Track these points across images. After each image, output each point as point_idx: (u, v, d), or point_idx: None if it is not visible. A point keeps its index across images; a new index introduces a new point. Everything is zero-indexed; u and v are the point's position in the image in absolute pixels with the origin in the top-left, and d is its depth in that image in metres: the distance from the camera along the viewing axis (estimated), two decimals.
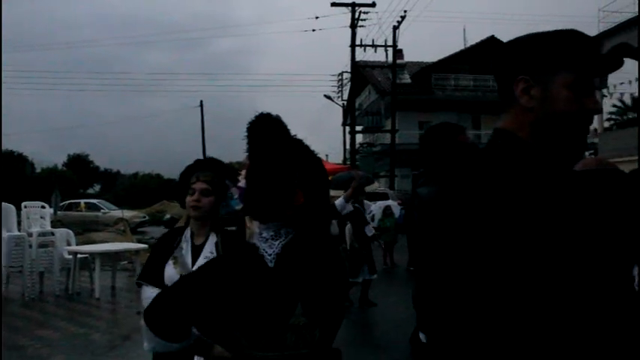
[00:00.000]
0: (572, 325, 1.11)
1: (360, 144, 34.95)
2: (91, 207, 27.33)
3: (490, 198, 1.15)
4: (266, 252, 1.65)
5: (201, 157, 3.17)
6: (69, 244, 10.06)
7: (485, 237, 1.13)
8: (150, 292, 2.63)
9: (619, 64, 1.30)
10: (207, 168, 2.89)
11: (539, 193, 1.16)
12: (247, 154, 1.78)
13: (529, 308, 1.10)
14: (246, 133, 1.74)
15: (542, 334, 1.10)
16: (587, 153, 26.00)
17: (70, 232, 10.57)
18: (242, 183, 1.81)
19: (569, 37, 1.27)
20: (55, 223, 13.44)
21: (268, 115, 1.74)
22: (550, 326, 1.10)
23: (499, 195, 1.15)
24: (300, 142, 1.77)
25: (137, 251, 10.35)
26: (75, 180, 50.21)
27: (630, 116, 39.67)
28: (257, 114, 1.74)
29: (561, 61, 1.25)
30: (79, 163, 59.18)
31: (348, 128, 30.83)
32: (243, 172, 1.80)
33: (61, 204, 25.41)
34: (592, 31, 23.71)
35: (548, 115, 1.25)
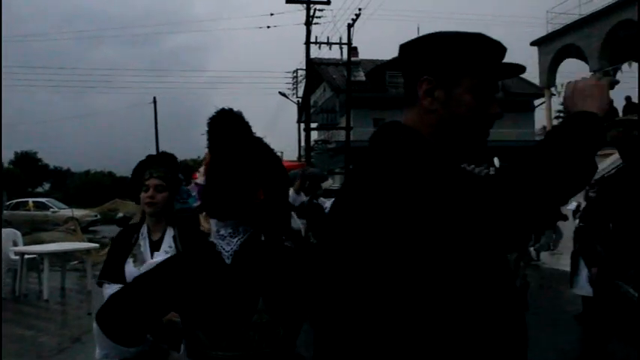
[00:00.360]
0: (469, 325, 1.13)
1: (315, 141, 35.01)
2: (39, 206, 26.59)
3: (391, 198, 1.13)
4: (224, 249, 1.64)
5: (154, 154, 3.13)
6: (15, 245, 9.72)
7: (385, 230, 1.12)
8: (110, 290, 2.59)
9: (521, 71, 1.32)
10: (159, 163, 2.86)
11: (439, 195, 1.11)
12: (208, 149, 1.76)
13: (428, 306, 1.11)
14: (207, 129, 1.71)
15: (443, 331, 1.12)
16: None
17: (17, 232, 10.25)
18: (200, 180, 1.77)
19: (475, 42, 1.26)
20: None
21: (230, 110, 1.73)
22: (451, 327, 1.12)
23: (400, 194, 1.12)
24: (259, 139, 1.77)
25: (88, 251, 10.10)
26: (22, 178, 48.72)
27: None
28: (218, 109, 1.72)
29: (466, 66, 1.24)
30: (26, 161, 57.39)
31: (303, 125, 30.83)
32: (202, 169, 1.77)
33: (8, 203, 24.65)
34: (541, 31, 24.37)
35: (450, 118, 1.24)
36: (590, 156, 1.12)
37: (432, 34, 1.30)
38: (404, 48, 1.33)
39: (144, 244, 2.78)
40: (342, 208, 1.27)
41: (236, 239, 1.65)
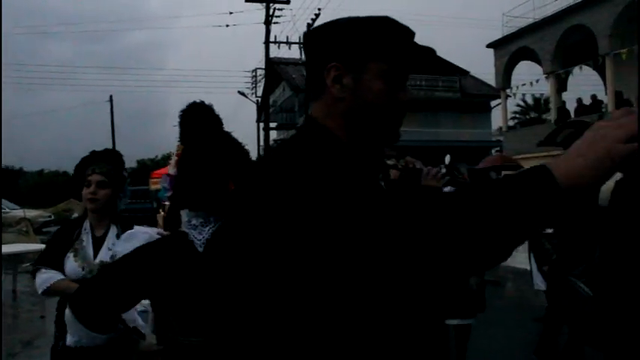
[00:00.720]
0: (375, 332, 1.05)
1: (274, 140, 34.88)
2: None
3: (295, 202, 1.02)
4: (196, 238, 1.68)
5: None
6: None
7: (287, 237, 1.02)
8: (46, 275, 2.61)
9: (431, 54, 1.24)
10: (103, 160, 2.84)
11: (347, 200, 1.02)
12: (179, 142, 1.84)
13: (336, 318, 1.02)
14: (179, 121, 1.80)
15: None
16: (493, 150, 27.14)
17: None
18: (172, 171, 1.86)
19: (383, 25, 1.21)
20: None
21: (202, 103, 1.81)
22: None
23: (305, 198, 1.02)
24: (228, 133, 1.85)
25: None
26: None
27: (532, 115, 41.93)
28: (190, 102, 1.81)
29: (375, 50, 1.18)
30: None
31: (262, 125, 30.75)
32: (173, 161, 1.85)
33: None
34: (497, 34, 24.84)
35: (360, 106, 1.18)
36: (520, 236, 0.99)
37: (337, 19, 1.25)
38: (308, 36, 1.27)
39: (86, 239, 2.74)
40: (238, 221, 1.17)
41: (207, 228, 1.69)
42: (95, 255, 2.69)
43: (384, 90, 1.18)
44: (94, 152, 2.90)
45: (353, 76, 1.17)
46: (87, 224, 2.79)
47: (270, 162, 1.21)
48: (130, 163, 48.22)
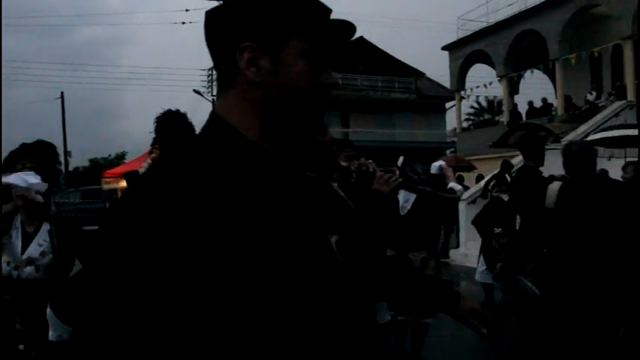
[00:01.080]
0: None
1: None
2: None
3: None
4: None
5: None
6: None
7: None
8: None
9: (351, 30, 1.08)
10: (34, 153, 2.70)
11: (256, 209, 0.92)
12: (155, 146, 1.95)
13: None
14: (154, 127, 1.94)
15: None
16: (447, 151, 27.52)
17: None
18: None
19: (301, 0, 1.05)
20: None
21: (177, 111, 1.93)
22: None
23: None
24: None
25: None
26: None
27: (486, 117, 42.82)
28: (165, 110, 1.92)
29: (295, 25, 1.02)
30: None
31: None
32: (147, 164, 1.88)
33: None
34: (452, 37, 25.27)
35: (280, 90, 1.01)
36: None
37: None
38: (213, 15, 1.06)
39: (15, 234, 2.63)
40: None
41: None
42: (23, 251, 2.58)
43: (308, 71, 1.02)
44: (24, 145, 2.75)
45: (271, 57, 1.01)
46: (17, 220, 2.68)
47: (144, 179, 1.00)
48: (82, 161, 47.12)
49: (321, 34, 1.04)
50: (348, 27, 1.06)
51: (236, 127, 1.02)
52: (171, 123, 1.83)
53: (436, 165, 6.93)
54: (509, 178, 7.11)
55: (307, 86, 1.02)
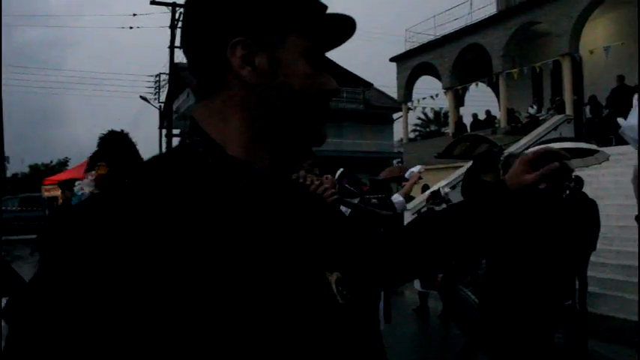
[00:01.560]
0: None
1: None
2: None
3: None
4: None
5: None
6: None
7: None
8: None
9: (352, 30, 0.92)
10: None
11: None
12: (96, 163, 2.07)
13: None
14: (97, 145, 2.05)
15: None
16: (394, 161, 27.83)
17: None
18: (87, 190, 2.08)
19: None
20: None
21: (121, 132, 2.10)
22: None
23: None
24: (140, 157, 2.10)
25: None
26: None
27: (432, 128, 43.63)
28: (109, 130, 2.08)
29: (294, 19, 0.87)
30: None
31: (164, 131, 30.04)
32: (89, 180, 1.96)
33: None
34: (400, 49, 25.66)
35: (279, 96, 0.86)
36: None
37: None
38: (193, 6, 0.89)
39: None
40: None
41: None
42: None
43: (309, 73, 0.87)
44: None
45: (268, 54, 0.85)
46: None
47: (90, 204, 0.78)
48: (22, 167, 45.52)
49: (321, 31, 0.90)
50: (350, 23, 0.92)
51: (220, 138, 0.85)
52: (115, 142, 1.98)
53: (411, 169, 6.91)
54: (443, 192, 7.43)
55: (309, 91, 0.87)
